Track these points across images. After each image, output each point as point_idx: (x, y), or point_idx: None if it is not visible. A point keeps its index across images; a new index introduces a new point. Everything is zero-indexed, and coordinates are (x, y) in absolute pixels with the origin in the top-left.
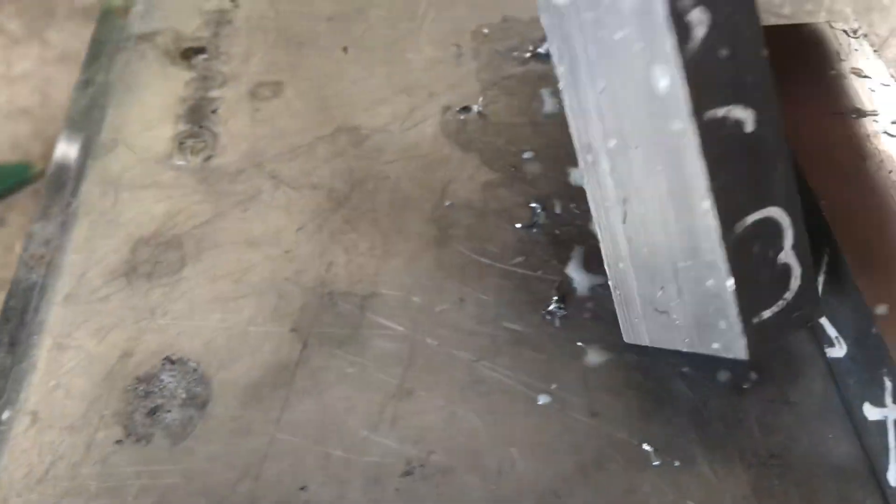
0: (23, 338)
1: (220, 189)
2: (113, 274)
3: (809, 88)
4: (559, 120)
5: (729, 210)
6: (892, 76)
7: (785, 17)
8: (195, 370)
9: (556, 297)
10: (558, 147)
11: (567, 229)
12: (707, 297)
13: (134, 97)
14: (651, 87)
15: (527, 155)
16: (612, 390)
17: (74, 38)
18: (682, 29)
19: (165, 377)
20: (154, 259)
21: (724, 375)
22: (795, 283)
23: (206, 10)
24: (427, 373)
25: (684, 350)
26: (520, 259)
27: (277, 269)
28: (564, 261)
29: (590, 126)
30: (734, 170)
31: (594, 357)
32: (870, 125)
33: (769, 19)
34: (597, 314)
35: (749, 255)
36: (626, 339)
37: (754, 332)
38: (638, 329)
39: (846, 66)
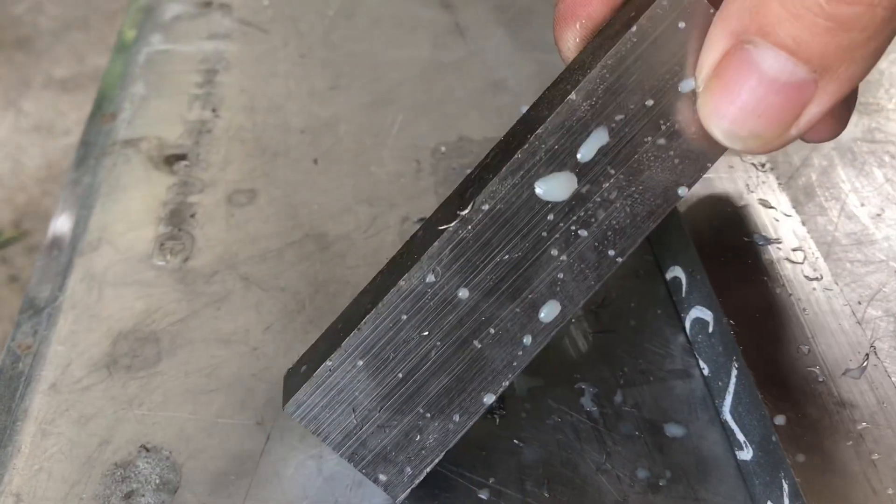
0: (8, 423)
1: (196, 289)
2: (95, 365)
3: (723, 216)
4: None
5: None
6: (798, 205)
7: None
8: (168, 458)
9: (495, 398)
10: None
11: None
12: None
13: (119, 199)
14: None
15: None
16: (544, 485)
17: (49, 108)
18: None
19: (141, 464)
20: (133, 353)
21: (642, 473)
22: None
23: (189, 120)
24: None
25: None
26: None
27: (245, 365)
28: None
29: None
30: None
31: (529, 454)
32: (774, 251)
33: None
34: (532, 414)
35: None
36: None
37: None
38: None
39: (754, 197)
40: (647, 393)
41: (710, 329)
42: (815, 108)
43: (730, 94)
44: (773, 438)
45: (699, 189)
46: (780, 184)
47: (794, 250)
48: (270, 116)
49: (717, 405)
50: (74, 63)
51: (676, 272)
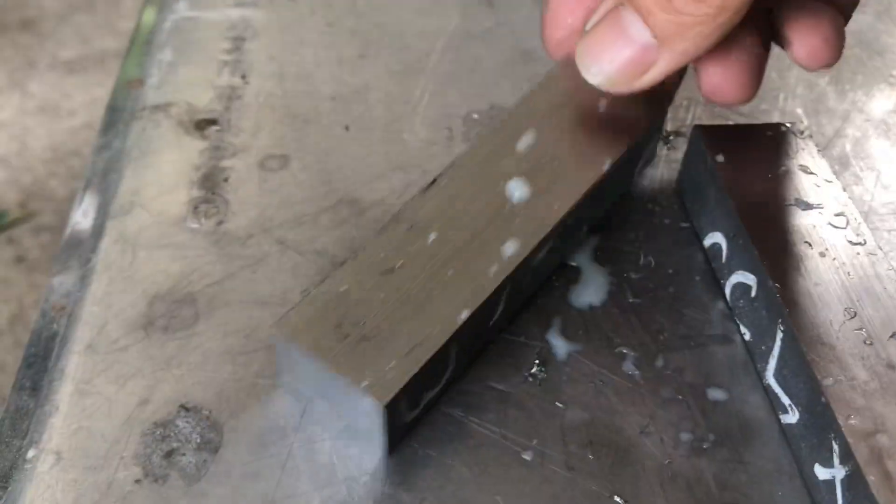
0: (45, 383)
1: (231, 252)
2: (131, 326)
3: (764, 182)
4: None
5: None
6: (834, 174)
7: (743, 115)
8: (208, 417)
9: (537, 361)
10: None
11: (546, 299)
12: None
13: (150, 163)
14: None
15: None
16: (587, 447)
17: (54, 89)
18: None
19: (181, 423)
20: (170, 314)
21: (685, 436)
22: None
23: (218, 85)
24: (421, 425)
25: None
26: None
27: None
28: (545, 328)
29: None
30: None
31: (571, 416)
32: (815, 217)
33: (731, 117)
34: (573, 378)
35: None
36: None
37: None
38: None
39: (795, 163)
40: (688, 358)
41: (753, 293)
42: (656, 70)
43: (600, 40)
44: (822, 400)
45: (739, 153)
46: (819, 150)
47: (836, 215)
48: (300, 84)
49: (759, 369)
50: (80, 45)
51: (716, 238)
